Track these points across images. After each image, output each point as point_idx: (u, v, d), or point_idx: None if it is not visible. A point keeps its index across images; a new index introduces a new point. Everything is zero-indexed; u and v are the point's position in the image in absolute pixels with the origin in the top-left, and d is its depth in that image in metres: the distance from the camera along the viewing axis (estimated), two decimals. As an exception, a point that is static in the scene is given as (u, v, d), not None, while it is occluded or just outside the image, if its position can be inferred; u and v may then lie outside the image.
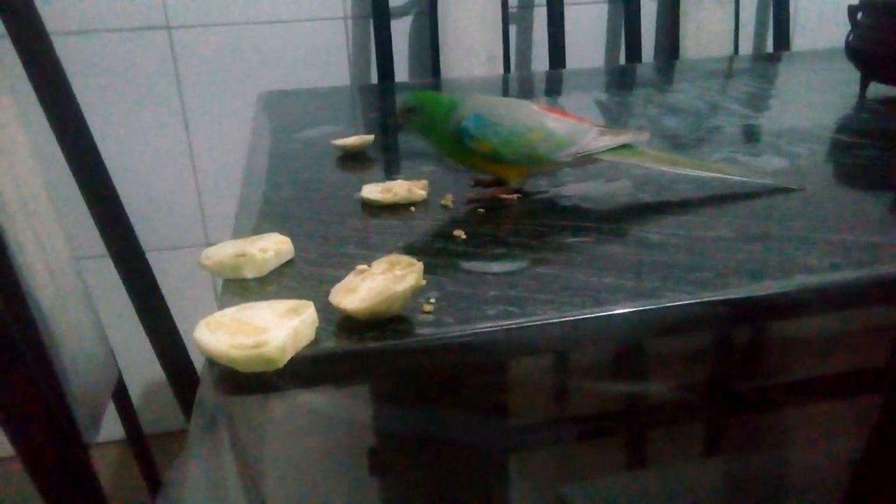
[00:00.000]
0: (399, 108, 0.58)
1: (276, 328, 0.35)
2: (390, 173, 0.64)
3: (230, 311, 0.38)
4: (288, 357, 0.35)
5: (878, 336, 0.48)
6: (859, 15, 0.90)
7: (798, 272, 0.43)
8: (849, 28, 0.89)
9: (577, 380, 0.50)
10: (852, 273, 0.43)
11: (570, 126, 0.56)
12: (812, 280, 0.43)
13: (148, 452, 0.87)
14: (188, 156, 1.34)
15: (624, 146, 0.58)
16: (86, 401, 0.71)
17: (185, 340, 0.94)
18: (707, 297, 0.41)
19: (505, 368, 0.48)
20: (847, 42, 0.90)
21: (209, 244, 1.39)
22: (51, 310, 0.64)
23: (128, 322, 0.93)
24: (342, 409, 0.44)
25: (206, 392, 0.35)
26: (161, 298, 0.92)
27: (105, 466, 1.23)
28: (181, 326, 0.94)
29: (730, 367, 0.57)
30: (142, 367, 1.10)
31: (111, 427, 0.84)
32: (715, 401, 0.54)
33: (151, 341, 0.91)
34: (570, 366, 0.50)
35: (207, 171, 1.35)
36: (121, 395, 0.83)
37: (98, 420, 0.75)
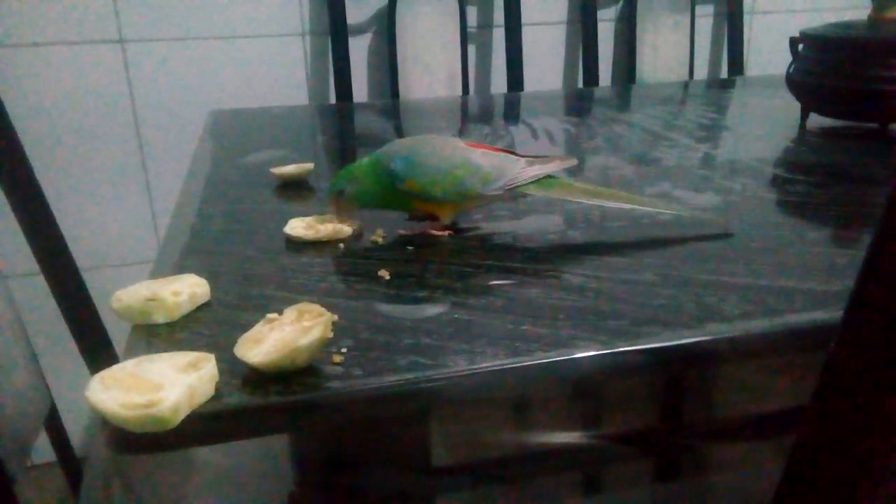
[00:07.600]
0: (332, 199, 0.58)
1: (171, 385, 0.34)
2: (325, 206, 0.64)
3: (129, 365, 0.37)
4: (182, 416, 0.34)
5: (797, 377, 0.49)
6: (800, 46, 0.91)
7: (711, 321, 0.44)
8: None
9: (499, 424, 0.50)
10: (763, 323, 0.43)
11: (496, 159, 0.57)
12: (723, 329, 0.43)
13: (81, 476, 0.85)
14: (142, 172, 1.32)
15: (552, 179, 0.58)
16: (12, 432, 0.69)
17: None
18: (620, 346, 0.42)
19: (425, 416, 0.47)
20: (788, 73, 0.91)
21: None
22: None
23: (62, 340, 0.90)
24: (256, 458, 0.43)
25: (98, 452, 0.34)
26: (96, 316, 0.90)
27: (44, 489, 1.20)
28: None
29: (655, 411, 0.57)
30: (79, 388, 1.07)
31: (48, 449, 0.82)
32: (639, 445, 0.54)
33: (86, 361, 0.89)
34: (490, 412, 0.49)
35: (162, 188, 1.33)
36: (53, 420, 0.81)
37: (26, 449, 0.73)
